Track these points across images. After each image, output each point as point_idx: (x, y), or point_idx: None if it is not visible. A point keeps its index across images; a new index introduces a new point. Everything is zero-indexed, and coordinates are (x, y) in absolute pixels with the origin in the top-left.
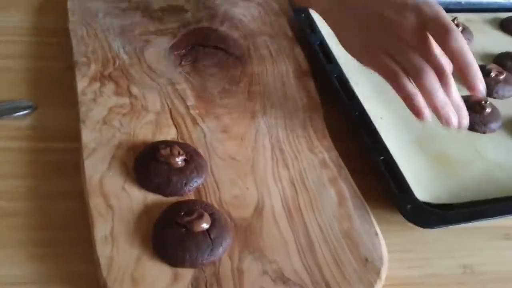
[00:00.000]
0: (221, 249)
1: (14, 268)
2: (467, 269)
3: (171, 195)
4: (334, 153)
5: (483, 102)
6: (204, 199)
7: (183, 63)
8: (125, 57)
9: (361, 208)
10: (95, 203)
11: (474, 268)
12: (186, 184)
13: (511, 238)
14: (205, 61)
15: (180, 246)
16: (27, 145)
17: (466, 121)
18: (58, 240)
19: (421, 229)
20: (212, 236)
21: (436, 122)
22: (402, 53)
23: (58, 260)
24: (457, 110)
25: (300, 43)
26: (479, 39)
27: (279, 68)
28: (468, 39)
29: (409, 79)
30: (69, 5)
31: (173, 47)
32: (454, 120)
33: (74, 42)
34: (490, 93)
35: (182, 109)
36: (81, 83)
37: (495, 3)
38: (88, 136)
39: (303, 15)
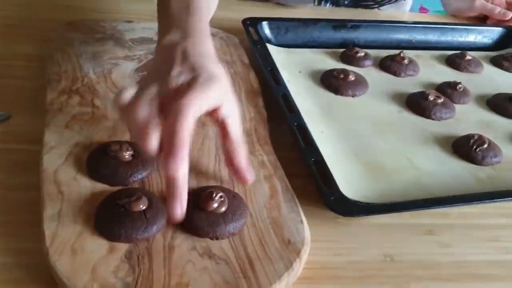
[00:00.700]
0: (155, 228)
1: None
2: (387, 257)
3: (116, 184)
4: (273, 157)
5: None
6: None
7: None
8: (93, 76)
9: (291, 200)
10: (48, 189)
11: (394, 257)
12: (131, 175)
13: (433, 234)
14: None
15: (117, 222)
16: None
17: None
18: (11, 223)
19: (349, 224)
20: (147, 216)
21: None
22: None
23: (9, 239)
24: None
25: (255, 70)
26: (425, 72)
27: (234, 88)
28: (414, 70)
29: None
30: (50, 35)
31: (138, 69)
32: None
33: (48, 63)
34: (428, 114)
35: None
36: (50, 96)
37: (443, 41)
38: (49, 137)
39: (259, 46)
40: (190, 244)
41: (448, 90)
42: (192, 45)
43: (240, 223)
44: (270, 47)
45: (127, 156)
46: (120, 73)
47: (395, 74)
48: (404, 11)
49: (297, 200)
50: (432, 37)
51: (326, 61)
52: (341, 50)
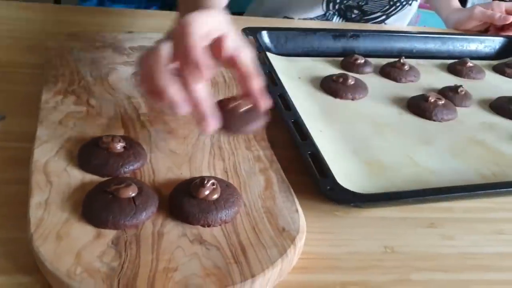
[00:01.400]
0: (144, 214)
1: None
2: (388, 249)
3: (107, 175)
4: (269, 152)
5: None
6: None
7: None
8: (90, 79)
9: (286, 191)
10: (37, 179)
11: (395, 248)
12: (122, 165)
13: (435, 227)
14: None
15: (105, 208)
16: None
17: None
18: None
19: (347, 217)
20: (136, 202)
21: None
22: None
23: None
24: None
25: None
26: (426, 78)
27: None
28: (414, 76)
29: None
30: (49, 43)
31: (136, 73)
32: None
33: (46, 67)
34: (429, 116)
35: (133, 116)
36: (46, 95)
37: (444, 51)
38: (42, 132)
39: (258, 52)
40: (180, 231)
41: (450, 93)
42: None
43: (232, 210)
44: (269, 55)
45: (118, 148)
46: (118, 76)
47: (395, 80)
48: (410, 18)
49: (292, 191)
50: (433, 46)
51: (326, 68)
52: (341, 58)
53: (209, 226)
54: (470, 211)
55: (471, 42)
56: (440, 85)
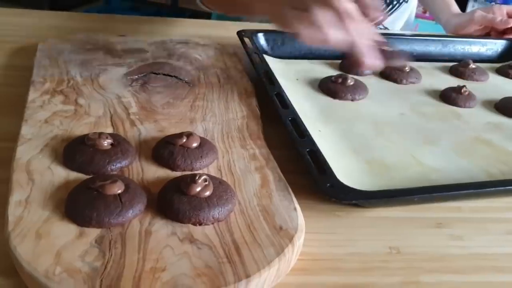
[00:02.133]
0: (130, 212)
1: None
2: (393, 250)
3: (93, 173)
4: (265, 150)
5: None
6: None
7: (133, 84)
8: (79, 79)
9: (284, 189)
10: (18, 177)
11: (400, 249)
12: (108, 163)
13: (443, 227)
14: (155, 83)
15: (89, 205)
16: None
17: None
18: None
19: (348, 217)
20: (123, 200)
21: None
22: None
23: None
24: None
25: (250, 77)
26: (428, 80)
27: (226, 90)
28: (416, 77)
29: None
30: (39, 46)
31: (127, 74)
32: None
33: (35, 68)
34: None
35: (123, 115)
36: (33, 95)
37: (446, 53)
38: (26, 130)
39: (254, 53)
40: (169, 229)
41: (453, 94)
42: None
43: (226, 208)
44: (266, 57)
45: (105, 144)
46: (108, 77)
47: (396, 81)
48: (410, 15)
49: (290, 190)
50: (433, 49)
51: (324, 70)
52: (340, 61)
53: (200, 224)
54: (479, 210)
55: (472, 44)
56: (442, 86)
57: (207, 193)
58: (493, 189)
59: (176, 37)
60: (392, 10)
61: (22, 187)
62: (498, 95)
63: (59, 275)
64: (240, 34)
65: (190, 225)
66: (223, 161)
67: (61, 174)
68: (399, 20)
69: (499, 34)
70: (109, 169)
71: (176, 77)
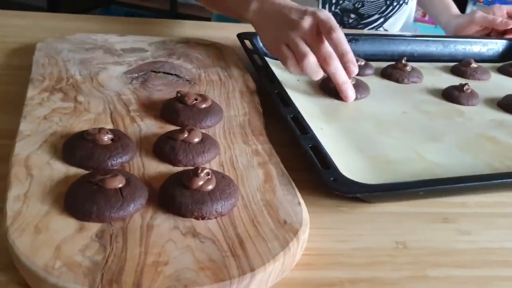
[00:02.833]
0: (132, 206)
1: None
2: (400, 244)
3: (93, 168)
4: (268, 146)
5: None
6: None
7: (133, 82)
8: (79, 77)
9: (287, 184)
10: (16, 172)
11: (407, 244)
12: (109, 157)
13: (450, 222)
14: (155, 81)
15: (89, 199)
16: None
17: (350, 92)
18: None
19: (353, 212)
20: (124, 194)
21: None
22: (294, 44)
23: None
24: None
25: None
26: (429, 79)
27: (227, 88)
28: (417, 77)
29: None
30: (38, 45)
31: (127, 72)
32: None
33: (34, 67)
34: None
35: (123, 112)
36: (31, 92)
37: (447, 54)
38: (25, 126)
39: (254, 54)
40: (172, 223)
41: (455, 92)
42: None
43: (229, 202)
44: (266, 59)
45: (105, 139)
46: (108, 75)
47: (397, 81)
48: (409, 16)
49: (294, 185)
50: (434, 49)
51: None
52: None
53: (203, 218)
54: (485, 205)
55: (473, 44)
56: (444, 85)
57: (210, 187)
58: (499, 181)
59: (176, 38)
60: (392, 12)
61: (21, 181)
62: (501, 93)
63: (59, 269)
64: (241, 36)
65: (192, 219)
66: (225, 157)
67: (60, 169)
68: (398, 22)
69: (500, 34)
70: (109, 164)
71: (176, 75)
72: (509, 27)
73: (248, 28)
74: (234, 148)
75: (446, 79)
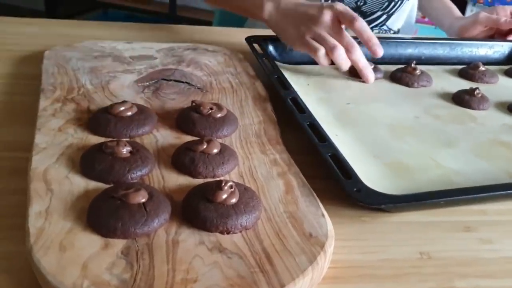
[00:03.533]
0: (156, 221)
1: None
2: (424, 255)
3: (113, 182)
4: (286, 155)
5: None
6: None
7: (145, 91)
8: (90, 87)
9: (309, 195)
10: (36, 187)
11: (431, 254)
12: (129, 171)
13: (471, 231)
14: (167, 89)
15: (113, 215)
16: None
17: (371, 75)
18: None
19: (375, 222)
20: (147, 209)
21: (391, 137)
22: (321, 37)
23: None
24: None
25: (262, 81)
26: (439, 83)
27: (239, 95)
28: (427, 80)
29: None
30: (46, 54)
31: (138, 81)
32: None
33: (44, 76)
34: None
35: None
36: (43, 103)
37: (454, 57)
38: (40, 139)
39: (264, 58)
40: (197, 238)
41: (466, 96)
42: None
43: (253, 215)
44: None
45: (124, 152)
46: (119, 84)
47: (407, 85)
48: (410, 14)
49: (315, 195)
50: (441, 52)
51: (334, 75)
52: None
53: (228, 233)
54: (505, 213)
55: (480, 47)
56: (454, 89)
57: (234, 200)
58: None
59: (182, 43)
60: (394, 8)
61: (41, 197)
62: (510, 97)
63: None
64: (249, 40)
65: (217, 234)
66: (244, 167)
67: (80, 183)
68: (400, 19)
69: (503, 35)
70: (129, 177)
71: (188, 83)
72: None
73: (253, 32)
74: (252, 158)
75: (455, 83)
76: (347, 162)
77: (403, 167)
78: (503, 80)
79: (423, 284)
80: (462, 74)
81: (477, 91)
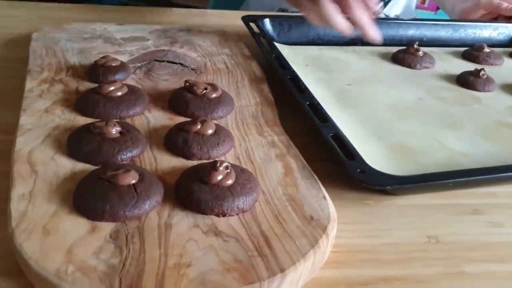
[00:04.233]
0: (147, 203)
1: None
2: (432, 239)
3: (101, 163)
4: (284, 137)
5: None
6: None
7: (137, 72)
8: (79, 68)
9: (309, 177)
10: (19, 169)
11: (439, 238)
12: (118, 152)
13: (479, 213)
14: (159, 71)
15: (101, 197)
16: None
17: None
18: None
19: (379, 205)
20: (138, 190)
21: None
22: None
23: None
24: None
25: (258, 62)
26: (442, 65)
27: (235, 76)
28: (430, 62)
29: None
30: (34, 35)
31: (129, 62)
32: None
33: (31, 58)
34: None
35: None
36: (30, 84)
37: (456, 39)
38: (26, 120)
39: (261, 37)
40: (191, 221)
41: (471, 78)
42: None
43: (251, 197)
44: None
45: (114, 132)
46: None
47: (410, 66)
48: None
49: (316, 178)
50: (444, 34)
51: (334, 55)
52: (349, 47)
53: (224, 215)
54: None
55: (483, 29)
56: (457, 71)
57: (230, 182)
58: None
59: (177, 26)
60: None
61: (25, 179)
62: None
63: (72, 275)
64: (246, 19)
65: (213, 217)
66: (240, 149)
67: (66, 165)
68: (398, 4)
69: (508, 18)
70: (119, 158)
71: (181, 64)
72: None
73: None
74: (249, 140)
75: (458, 64)
76: (350, 143)
77: (408, 149)
78: (508, 62)
79: (430, 269)
80: (466, 56)
81: (482, 72)
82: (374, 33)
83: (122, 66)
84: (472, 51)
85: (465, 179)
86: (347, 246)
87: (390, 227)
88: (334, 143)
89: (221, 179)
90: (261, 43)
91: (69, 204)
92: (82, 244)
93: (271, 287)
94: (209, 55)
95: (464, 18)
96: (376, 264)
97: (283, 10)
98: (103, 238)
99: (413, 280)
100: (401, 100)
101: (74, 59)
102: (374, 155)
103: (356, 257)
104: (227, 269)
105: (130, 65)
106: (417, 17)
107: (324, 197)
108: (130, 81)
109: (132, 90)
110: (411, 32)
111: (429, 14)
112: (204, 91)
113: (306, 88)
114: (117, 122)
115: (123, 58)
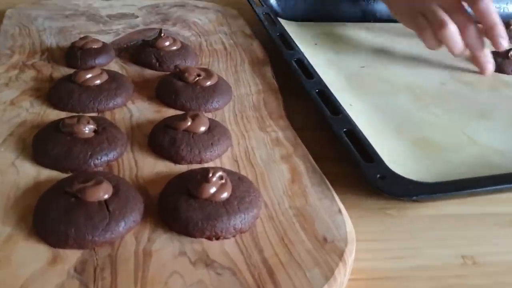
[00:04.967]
0: (122, 225)
1: None
2: (467, 260)
3: (70, 170)
4: (291, 132)
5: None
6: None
7: (121, 55)
8: (56, 50)
9: (320, 184)
10: None
11: (476, 259)
12: (91, 156)
13: None
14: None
15: (64, 218)
16: None
17: (490, 65)
18: None
19: (401, 216)
20: (110, 208)
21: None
22: (431, 11)
23: None
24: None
25: (260, 41)
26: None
27: (234, 59)
28: None
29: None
30: (8, 12)
31: (113, 42)
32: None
33: (1, 38)
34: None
35: None
36: None
37: None
38: None
39: (264, 13)
40: (177, 247)
41: (498, 59)
42: None
43: (250, 214)
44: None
45: (87, 131)
46: None
47: None
48: None
49: (329, 184)
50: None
51: (345, 32)
52: (363, 23)
53: (217, 238)
54: None
55: (509, 3)
56: None
57: (225, 195)
58: None
59: (170, 1)
60: None
61: None
62: None
63: None
64: None
65: (204, 240)
66: (239, 149)
67: (29, 172)
68: None
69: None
70: (92, 164)
71: None
72: None
73: None
74: (249, 137)
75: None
76: (367, 140)
77: (433, 145)
78: None
79: None
80: None
81: (511, 52)
82: (489, 66)
83: (104, 49)
84: None
85: (508, 185)
86: (368, 272)
87: (418, 245)
88: (348, 141)
89: (214, 193)
90: (264, 19)
91: (28, 225)
92: (39, 280)
93: None
94: (204, 33)
95: None
96: None
97: None
98: (66, 272)
99: None
100: (422, 86)
101: (51, 40)
102: (393, 153)
103: (380, 285)
104: None
105: (115, 47)
106: None
107: (340, 211)
108: (113, 65)
109: (113, 77)
110: None
111: None
112: (197, 78)
113: (314, 72)
114: (91, 118)
115: (108, 39)
